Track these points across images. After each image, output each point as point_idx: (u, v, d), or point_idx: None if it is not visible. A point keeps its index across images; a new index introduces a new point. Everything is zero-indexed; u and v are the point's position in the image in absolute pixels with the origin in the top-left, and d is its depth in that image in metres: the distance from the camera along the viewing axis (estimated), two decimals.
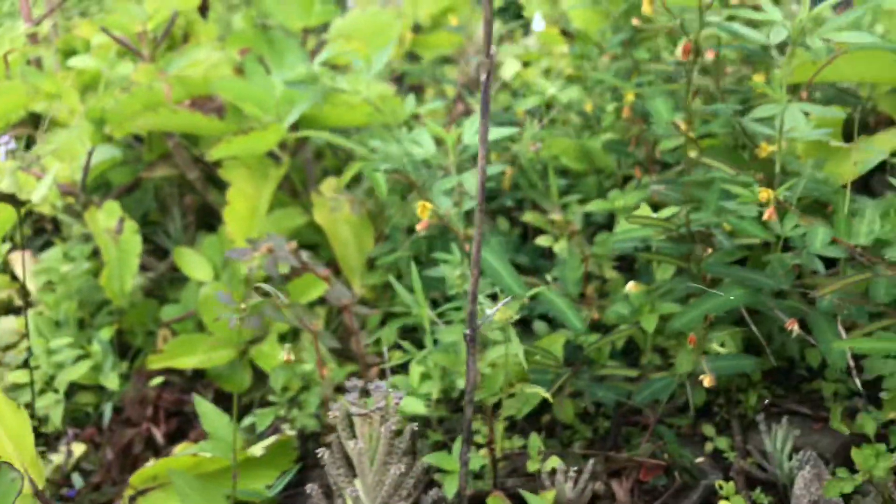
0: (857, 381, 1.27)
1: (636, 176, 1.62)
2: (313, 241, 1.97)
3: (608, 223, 1.82)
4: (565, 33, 2.69)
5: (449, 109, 2.35)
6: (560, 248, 1.68)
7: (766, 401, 1.44)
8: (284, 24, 1.93)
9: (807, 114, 1.32)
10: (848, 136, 1.74)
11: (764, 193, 1.16)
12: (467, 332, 1.05)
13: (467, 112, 2.32)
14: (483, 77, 0.94)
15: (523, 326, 1.65)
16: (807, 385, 1.49)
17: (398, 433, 1.12)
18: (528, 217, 1.77)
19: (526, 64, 2.76)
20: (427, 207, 1.21)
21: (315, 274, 1.43)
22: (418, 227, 1.29)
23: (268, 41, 1.92)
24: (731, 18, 1.56)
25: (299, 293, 1.61)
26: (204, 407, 1.16)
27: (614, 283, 1.68)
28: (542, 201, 1.78)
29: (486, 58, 0.93)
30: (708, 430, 1.43)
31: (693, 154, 1.60)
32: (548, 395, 1.20)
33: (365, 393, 1.11)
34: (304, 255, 1.41)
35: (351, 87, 1.56)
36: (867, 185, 1.73)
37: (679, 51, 1.05)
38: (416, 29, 2.91)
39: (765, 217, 1.21)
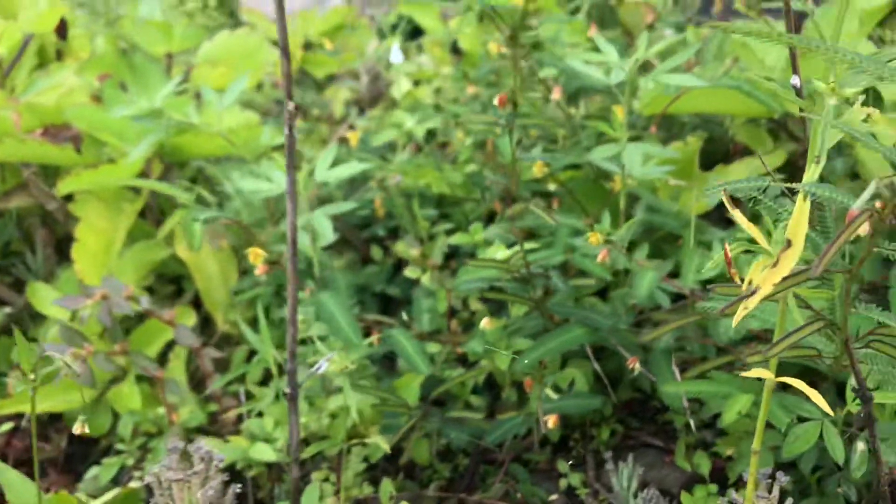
0: (692, 422, 1.28)
1: (497, 209, 1.61)
2: (180, 273, 1.91)
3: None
4: (455, 52, 2.68)
5: (332, 132, 2.31)
6: (427, 279, 1.66)
7: (619, 435, 1.45)
8: (146, 48, 1.86)
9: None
10: (708, 164, 1.78)
11: (593, 237, 1.16)
12: (287, 390, 1.02)
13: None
14: (286, 130, 0.91)
15: (389, 363, 1.63)
16: (661, 416, 1.50)
17: (225, 492, 1.08)
18: (399, 248, 1.75)
19: (417, 83, 2.74)
20: (259, 254, 1.17)
21: (159, 319, 1.37)
22: (256, 272, 1.25)
23: (129, 66, 1.85)
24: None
25: (145, 339, 1.54)
26: (7, 476, 1.10)
27: (481, 315, 1.66)
28: (412, 231, 1.76)
29: (286, 110, 0.90)
30: (562, 466, 1.43)
31: (552, 187, 1.60)
32: (386, 448, 1.17)
33: (186, 455, 1.06)
34: (145, 300, 1.35)
35: (202, 119, 1.50)
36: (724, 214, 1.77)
37: (496, 101, 1.05)
38: (308, 46, 2.86)
39: (599, 259, 1.21)
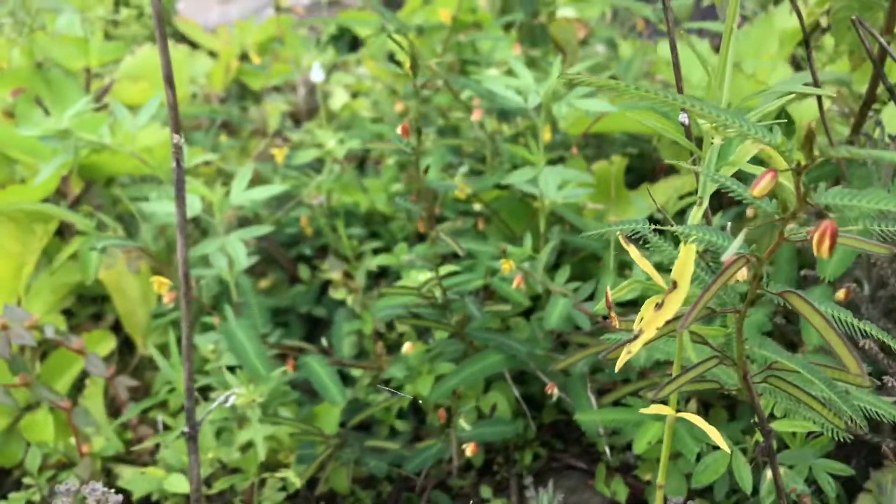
0: (608, 450, 1.27)
1: (419, 229, 1.59)
2: (102, 294, 1.85)
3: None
4: (396, 64, 2.66)
5: (265, 147, 2.26)
6: (351, 300, 1.64)
7: (543, 458, 1.44)
8: (63, 63, 1.79)
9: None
10: (638, 181, 1.78)
11: (506, 265, 1.15)
12: (185, 429, 0.98)
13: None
14: (173, 164, 0.87)
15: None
16: (586, 438, 1.49)
17: None
18: (324, 268, 1.72)
19: (356, 94, 2.71)
20: (163, 283, 1.13)
21: (67, 348, 1.32)
22: (164, 300, 1.20)
23: (45, 81, 1.78)
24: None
25: (62, 364, 1.49)
26: None
27: (408, 337, 1.64)
28: (338, 250, 1.73)
29: (172, 144, 0.86)
30: (486, 491, 1.41)
31: (478, 206, 1.59)
32: (297, 483, 1.14)
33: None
34: (51, 329, 1.30)
35: (115, 139, 1.45)
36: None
37: (399, 130, 1.03)
38: (244, 57, 2.81)
39: (514, 285, 1.20)
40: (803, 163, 0.52)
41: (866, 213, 0.55)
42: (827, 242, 0.52)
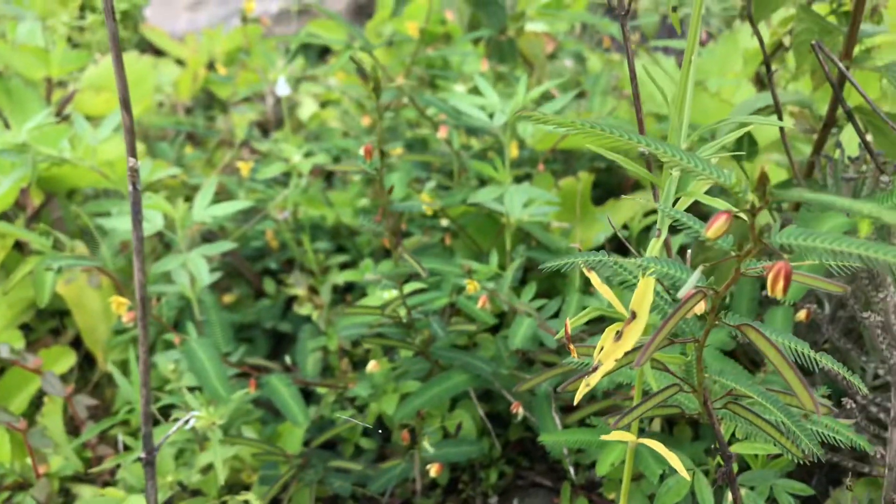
0: (572, 470, 1.27)
1: (385, 245, 1.58)
2: (62, 308, 1.81)
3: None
4: (362, 75, 2.64)
5: (231, 158, 2.23)
6: (316, 316, 1.62)
7: (509, 476, 1.44)
8: (23, 73, 1.76)
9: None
10: (606, 196, 1.79)
11: (471, 285, 1.15)
12: (142, 455, 0.96)
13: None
14: (130, 188, 0.85)
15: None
16: (552, 455, 1.49)
17: None
18: (289, 283, 1.70)
19: (325, 104, 2.70)
20: (122, 303, 1.11)
21: (23, 368, 1.29)
22: (124, 319, 1.18)
23: (5, 91, 1.74)
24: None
25: (19, 382, 1.45)
26: None
27: (374, 353, 1.63)
28: (305, 264, 1.72)
29: (129, 168, 0.85)
30: None
31: (445, 222, 1.59)
32: None
33: None
34: (6, 348, 1.27)
35: (75, 153, 1.42)
36: (621, 247, 1.78)
37: (361, 151, 1.02)
38: (212, 66, 2.78)
39: (479, 305, 1.20)
40: (757, 205, 0.52)
41: (822, 251, 0.55)
42: (781, 283, 0.52)
